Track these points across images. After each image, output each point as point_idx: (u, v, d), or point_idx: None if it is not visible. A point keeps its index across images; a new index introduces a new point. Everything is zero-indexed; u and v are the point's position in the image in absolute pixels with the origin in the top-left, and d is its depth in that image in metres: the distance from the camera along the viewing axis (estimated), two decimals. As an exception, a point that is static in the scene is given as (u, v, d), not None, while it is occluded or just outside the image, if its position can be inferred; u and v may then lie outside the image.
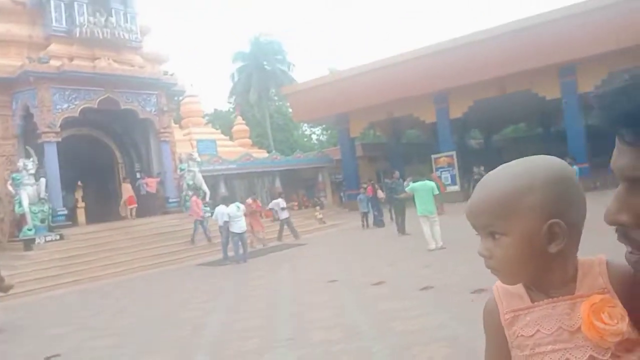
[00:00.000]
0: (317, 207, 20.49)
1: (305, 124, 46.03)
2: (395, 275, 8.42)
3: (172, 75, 19.16)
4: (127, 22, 18.12)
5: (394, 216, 15.13)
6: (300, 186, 26.64)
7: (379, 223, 17.16)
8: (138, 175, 18.75)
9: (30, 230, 14.37)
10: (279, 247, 14.77)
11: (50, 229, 14.86)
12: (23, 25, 17.03)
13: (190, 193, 17.87)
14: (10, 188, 14.78)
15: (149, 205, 18.16)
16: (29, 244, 14.12)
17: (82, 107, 16.27)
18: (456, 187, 22.86)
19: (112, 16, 17.63)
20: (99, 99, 16.56)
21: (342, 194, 28.66)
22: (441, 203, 10.74)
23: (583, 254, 0.93)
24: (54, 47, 16.75)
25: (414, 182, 11.54)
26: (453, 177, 23.21)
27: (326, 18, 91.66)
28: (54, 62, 15.95)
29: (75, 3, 16.96)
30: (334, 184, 29.20)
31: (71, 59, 16.74)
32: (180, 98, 22.37)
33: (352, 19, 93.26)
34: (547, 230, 0.86)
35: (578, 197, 0.90)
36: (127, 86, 17.20)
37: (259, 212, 15.74)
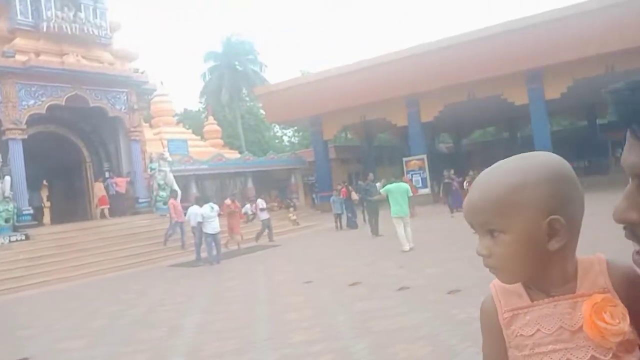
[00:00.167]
0: (291, 209, 20.46)
1: (277, 126, 45.90)
2: (371, 276, 8.48)
3: (142, 73, 18.84)
4: (96, 17, 17.73)
5: (367, 218, 15.25)
6: (272, 187, 26.56)
7: (352, 225, 17.26)
8: (107, 175, 18.35)
9: (-6, 230, 13.89)
10: (252, 248, 14.68)
11: (15, 229, 14.40)
12: (-15, 17, 16.47)
13: (162, 194, 17.58)
14: (-27, 186, 14.24)
15: (118, 206, 17.80)
16: (-8, 244, 13.64)
17: (49, 103, 15.85)
18: (427, 190, 23.23)
19: (81, 11, 17.23)
20: (66, 96, 16.16)
21: (314, 195, 28.71)
22: (413, 206, 10.88)
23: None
24: (19, 41, 16.23)
25: (389, 184, 11.66)
26: (424, 180, 23.57)
27: (299, 20, 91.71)
28: (20, 57, 15.47)
29: (43, -4, 16.50)
30: (307, 185, 29.22)
31: (38, 54, 16.26)
32: (151, 97, 22.00)
33: (325, 22, 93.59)
34: (547, 227, 0.85)
35: (577, 193, 0.89)
36: (96, 83, 16.84)
37: (238, 213, 15.62)
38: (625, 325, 0.83)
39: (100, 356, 5.77)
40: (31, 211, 15.41)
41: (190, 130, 28.96)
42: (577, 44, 18.30)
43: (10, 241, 13.78)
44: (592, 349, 0.85)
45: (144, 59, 73.48)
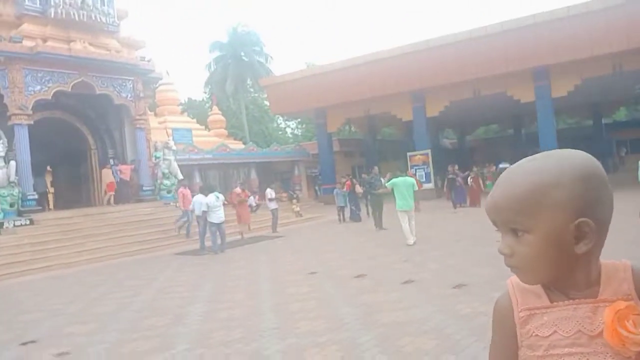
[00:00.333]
0: (294, 200, 20.47)
1: (281, 117, 45.85)
2: (376, 269, 8.50)
3: (149, 61, 18.80)
4: (104, 5, 17.69)
5: (370, 211, 15.27)
6: (276, 179, 26.60)
7: (355, 217, 17.28)
8: (112, 162, 18.39)
9: (-2, 214, 13.94)
10: (255, 238, 14.71)
11: (20, 214, 14.45)
12: (-8, 2, 16.42)
13: (166, 182, 17.59)
14: (-22, 170, 14.27)
15: (122, 193, 17.84)
16: (-4, 228, 13.70)
17: (55, 90, 15.84)
18: (430, 185, 23.24)
19: (88, -2, 17.16)
20: (73, 83, 16.15)
21: (317, 187, 28.73)
22: (417, 200, 10.90)
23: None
24: (26, 27, 16.21)
25: (394, 177, 11.67)
26: (428, 175, 23.57)
27: (305, 12, 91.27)
28: (27, 43, 15.44)
29: (50, -18, 16.44)
30: (310, 177, 29.23)
31: (45, 40, 16.24)
32: (156, 85, 21.98)
33: (332, 15, 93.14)
34: (575, 229, 0.82)
35: (607, 195, 0.86)
36: (103, 71, 16.82)
37: (248, 202, 15.65)
38: None
39: (106, 341, 5.78)
40: (36, 196, 15.44)
41: (194, 120, 28.99)
42: (585, 42, 18.22)
43: (14, 225, 13.84)
44: (610, 356, 0.84)
45: (150, 48, 73.39)
